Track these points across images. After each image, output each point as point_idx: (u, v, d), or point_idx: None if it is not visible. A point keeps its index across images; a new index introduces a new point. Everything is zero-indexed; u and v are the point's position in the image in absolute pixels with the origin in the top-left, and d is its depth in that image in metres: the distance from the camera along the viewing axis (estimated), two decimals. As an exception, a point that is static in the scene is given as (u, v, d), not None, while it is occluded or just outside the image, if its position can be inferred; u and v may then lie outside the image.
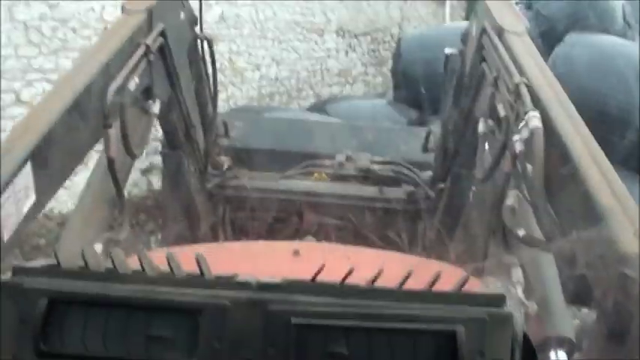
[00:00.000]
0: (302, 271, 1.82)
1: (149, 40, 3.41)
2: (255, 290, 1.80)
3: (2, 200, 2.20)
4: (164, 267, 1.84)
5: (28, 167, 2.39)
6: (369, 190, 5.15)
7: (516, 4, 11.90)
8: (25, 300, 1.80)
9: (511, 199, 2.87)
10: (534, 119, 2.58)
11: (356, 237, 5.05)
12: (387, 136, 6.06)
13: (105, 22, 11.23)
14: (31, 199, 2.44)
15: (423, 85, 11.12)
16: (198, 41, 4.49)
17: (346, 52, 17.26)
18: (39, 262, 1.90)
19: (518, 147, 2.66)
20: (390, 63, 16.64)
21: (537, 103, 2.73)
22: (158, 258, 1.88)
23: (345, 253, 2.83)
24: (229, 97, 13.32)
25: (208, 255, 1.83)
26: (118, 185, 3.19)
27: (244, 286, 1.81)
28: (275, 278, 1.82)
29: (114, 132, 2.98)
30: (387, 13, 18.63)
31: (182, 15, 4.13)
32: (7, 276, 1.85)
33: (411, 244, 4.98)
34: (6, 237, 2.24)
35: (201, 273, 1.82)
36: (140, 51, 3.31)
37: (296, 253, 2.68)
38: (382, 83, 17.98)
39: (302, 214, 5.17)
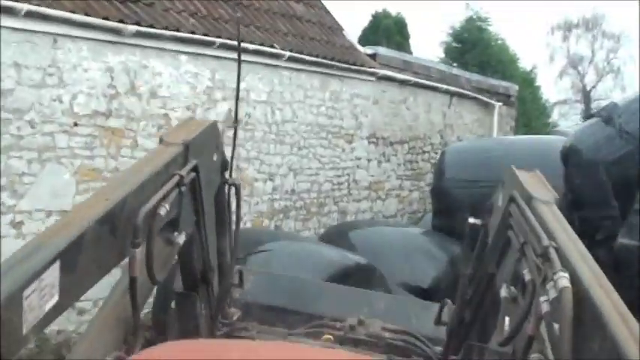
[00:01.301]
0: None
1: (183, 172, 3.59)
2: None
3: (27, 292, 2.32)
4: None
5: (57, 266, 2.51)
6: (378, 358, 5.10)
7: (590, 116, 9.98)
8: None
9: None
10: (563, 279, 2.64)
11: None
12: (399, 306, 6.25)
13: (76, 117, 9.38)
14: (54, 299, 2.52)
15: (469, 211, 9.44)
16: (226, 187, 4.66)
17: (379, 163, 16.16)
18: None
19: (545, 308, 2.70)
20: (428, 177, 16.28)
21: (566, 265, 2.79)
22: None
23: None
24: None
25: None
26: (136, 305, 3.25)
27: None
28: None
29: (139, 254, 3.06)
30: (428, 119, 17.65)
31: (215, 157, 4.34)
32: None
33: None
34: (25, 330, 2.34)
35: None
36: (174, 180, 3.47)
37: None
38: (419, 199, 17.14)
39: None
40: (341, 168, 14.90)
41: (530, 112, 29.02)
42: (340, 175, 14.90)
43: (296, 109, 13.44)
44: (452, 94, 18.31)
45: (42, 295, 2.41)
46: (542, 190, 3.78)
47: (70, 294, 2.66)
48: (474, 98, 19.18)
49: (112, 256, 3.07)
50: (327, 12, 16.07)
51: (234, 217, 4.81)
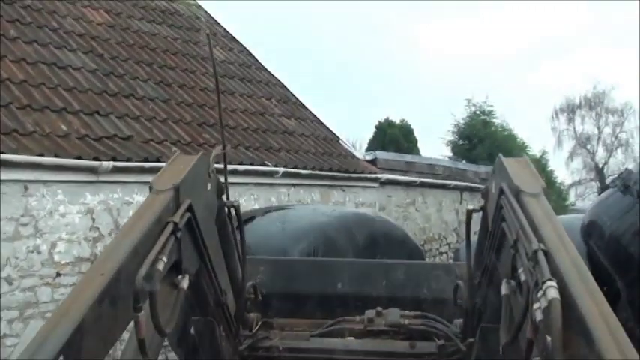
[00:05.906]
0: None
1: (176, 218, 3.56)
2: None
3: None
4: None
5: None
6: (401, 345, 5.28)
7: (605, 188, 9.42)
8: None
9: None
10: (551, 290, 2.67)
11: None
12: (419, 272, 6.15)
13: (58, 266, 8.78)
14: None
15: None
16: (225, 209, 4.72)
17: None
18: None
19: (538, 316, 2.74)
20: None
21: (555, 270, 2.84)
22: None
23: None
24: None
25: None
26: None
27: None
28: None
29: (144, 312, 3.06)
30: (441, 218, 17.14)
31: (209, 186, 4.37)
32: None
33: None
34: None
35: None
36: (168, 230, 3.45)
37: None
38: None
39: None
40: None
41: (547, 197, 28.60)
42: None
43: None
44: (462, 189, 17.88)
45: None
46: (530, 181, 3.83)
47: None
48: (486, 190, 18.64)
49: (117, 328, 3.11)
50: (321, 123, 15.71)
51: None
